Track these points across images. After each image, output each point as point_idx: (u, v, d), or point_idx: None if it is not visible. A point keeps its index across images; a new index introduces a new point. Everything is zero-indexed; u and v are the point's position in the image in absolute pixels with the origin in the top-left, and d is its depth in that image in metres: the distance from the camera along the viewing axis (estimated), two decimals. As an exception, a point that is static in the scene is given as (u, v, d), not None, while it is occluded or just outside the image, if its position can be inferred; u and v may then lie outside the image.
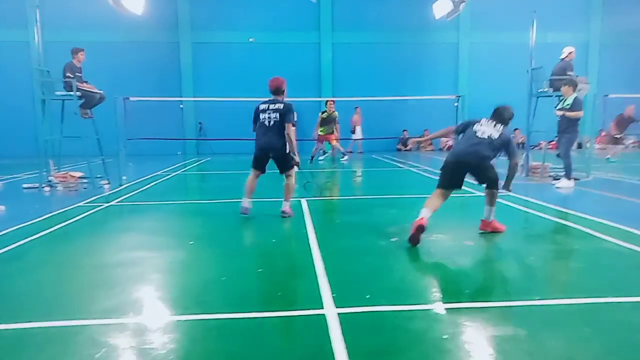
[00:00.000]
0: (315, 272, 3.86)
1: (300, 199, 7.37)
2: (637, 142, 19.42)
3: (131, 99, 11.26)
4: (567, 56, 9.43)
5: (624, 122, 13.59)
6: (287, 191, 6.04)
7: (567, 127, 8.43)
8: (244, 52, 18.28)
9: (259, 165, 5.96)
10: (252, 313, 3.12)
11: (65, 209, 6.69)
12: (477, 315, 3.06)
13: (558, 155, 8.90)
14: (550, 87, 9.45)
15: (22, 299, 3.45)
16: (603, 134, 17.71)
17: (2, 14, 16.96)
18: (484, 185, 5.07)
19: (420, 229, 4.54)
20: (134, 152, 13.57)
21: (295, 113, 5.99)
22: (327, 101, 13.27)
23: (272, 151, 5.81)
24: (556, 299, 3.33)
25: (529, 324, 2.89)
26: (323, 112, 13.00)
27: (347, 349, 2.57)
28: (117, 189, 8.59)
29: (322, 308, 3.14)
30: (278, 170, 6.02)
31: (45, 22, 9.39)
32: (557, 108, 8.70)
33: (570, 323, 2.95)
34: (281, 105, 5.77)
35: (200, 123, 18.29)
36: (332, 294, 3.37)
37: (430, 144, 18.34)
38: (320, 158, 14.21)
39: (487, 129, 4.96)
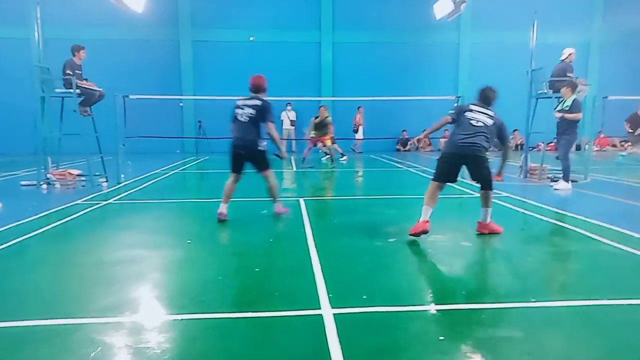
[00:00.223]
0: (312, 272, 3.87)
1: (299, 199, 7.38)
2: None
3: (131, 97, 11.24)
4: (567, 57, 9.42)
5: (638, 120, 13.56)
6: (272, 192, 5.92)
7: (566, 129, 8.43)
8: (244, 50, 18.27)
9: (236, 166, 5.78)
10: (249, 313, 3.12)
11: (63, 206, 6.69)
12: (474, 317, 3.07)
13: (557, 158, 8.90)
14: (549, 88, 9.45)
15: (19, 297, 3.45)
16: (602, 135, 17.76)
17: (2, 11, 16.93)
18: (479, 187, 5.07)
19: (424, 233, 4.77)
20: (133, 150, 13.54)
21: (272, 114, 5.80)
22: (320, 107, 13.22)
23: (245, 148, 5.65)
24: (553, 301, 3.33)
25: (526, 326, 2.89)
26: (316, 118, 12.99)
27: (343, 349, 2.58)
28: (116, 187, 8.59)
29: (319, 308, 3.14)
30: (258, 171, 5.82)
31: (46, 19, 9.39)
32: (556, 110, 8.70)
33: (568, 324, 2.95)
34: (259, 102, 5.67)
35: (199, 122, 18.27)
36: (329, 294, 3.37)
37: (430, 144, 18.34)
38: (323, 159, 14.25)
39: (480, 116, 4.96)
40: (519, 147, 17.90)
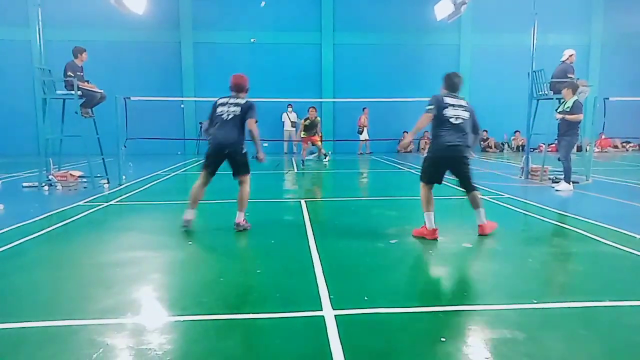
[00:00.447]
0: (314, 274, 3.87)
1: (300, 200, 7.38)
2: (637, 145, 19.46)
3: (132, 98, 11.27)
4: (567, 59, 9.43)
5: None
6: (241, 200, 5.38)
7: (567, 130, 8.43)
8: (245, 52, 18.28)
9: (211, 164, 5.35)
10: (251, 314, 3.12)
11: (65, 208, 6.70)
12: (475, 318, 3.07)
13: (558, 159, 8.90)
14: (550, 89, 9.45)
15: (21, 298, 3.45)
16: (603, 136, 17.74)
17: (3, 12, 16.97)
18: (465, 190, 5.09)
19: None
20: (134, 152, 13.57)
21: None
22: (309, 108, 13.35)
23: (228, 147, 5.22)
24: (554, 302, 3.33)
25: (527, 327, 2.89)
26: (306, 120, 13.16)
27: (344, 351, 2.58)
28: (117, 189, 8.60)
29: (321, 310, 3.14)
30: (236, 174, 5.40)
31: (47, 21, 9.39)
32: (557, 111, 8.70)
33: (569, 325, 2.95)
34: (243, 101, 5.35)
35: (200, 123, 18.25)
36: (330, 295, 3.37)
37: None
38: (309, 157, 14.31)
39: (459, 112, 4.93)
40: (520, 148, 17.90)
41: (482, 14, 18.25)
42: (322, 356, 2.54)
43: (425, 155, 5.16)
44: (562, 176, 8.57)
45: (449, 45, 19.05)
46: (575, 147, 8.97)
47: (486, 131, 19.07)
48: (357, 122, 17.77)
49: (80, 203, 7.08)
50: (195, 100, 17.89)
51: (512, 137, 19.17)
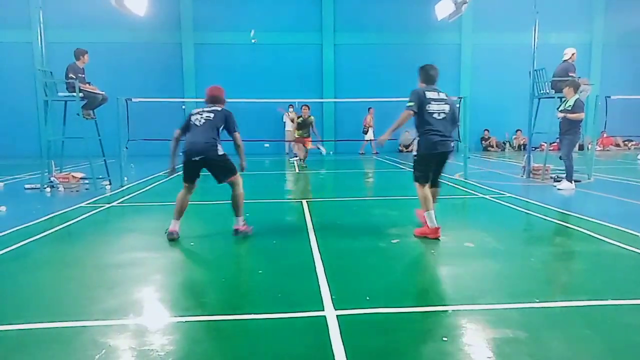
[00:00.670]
0: (315, 274, 3.87)
1: (301, 200, 7.38)
2: (639, 143, 19.42)
3: (133, 99, 11.27)
4: (569, 57, 9.41)
5: None
6: (236, 204, 5.15)
7: (569, 129, 8.42)
8: (246, 53, 18.30)
9: (190, 174, 5.14)
10: (253, 315, 3.13)
11: (67, 209, 6.71)
12: (477, 317, 3.07)
13: (560, 157, 8.89)
14: (552, 88, 9.44)
15: (24, 299, 3.47)
16: (605, 135, 17.71)
17: (5, 14, 17.01)
18: (432, 184, 5.10)
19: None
20: (136, 153, 13.59)
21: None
22: (302, 107, 13.33)
23: (202, 153, 4.92)
24: (556, 302, 3.33)
25: (530, 326, 2.89)
26: (299, 117, 13.12)
27: (346, 351, 2.58)
28: (119, 190, 8.61)
29: (323, 310, 3.14)
30: (221, 181, 5.22)
31: (48, 23, 9.41)
32: (558, 110, 8.69)
33: (571, 325, 2.95)
34: (219, 108, 5.14)
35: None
36: (332, 295, 3.37)
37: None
38: (292, 159, 14.33)
39: (441, 107, 4.90)
40: (522, 147, 17.88)
41: (483, 13, 18.23)
42: (324, 356, 2.54)
43: (415, 154, 5.07)
44: (564, 175, 8.55)
45: (450, 45, 19.03)
46: (577, 146, 8.95)
47: (488, 130, 19.09)
48: (362, 122, 17.77)
49: (83, 204, 7.09)
50: (197, 102, 17.86)
51: (514, 136, 19.15)
